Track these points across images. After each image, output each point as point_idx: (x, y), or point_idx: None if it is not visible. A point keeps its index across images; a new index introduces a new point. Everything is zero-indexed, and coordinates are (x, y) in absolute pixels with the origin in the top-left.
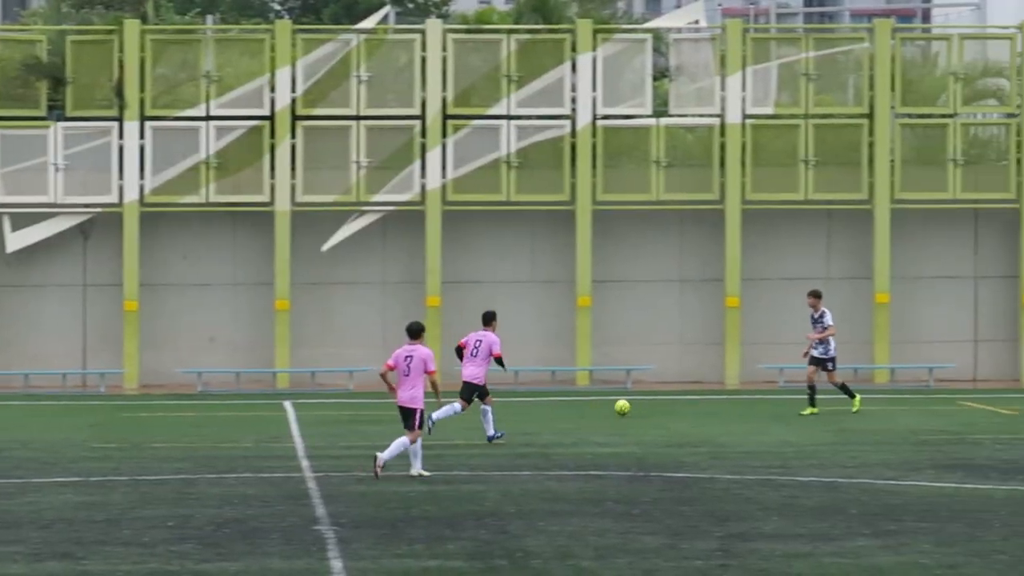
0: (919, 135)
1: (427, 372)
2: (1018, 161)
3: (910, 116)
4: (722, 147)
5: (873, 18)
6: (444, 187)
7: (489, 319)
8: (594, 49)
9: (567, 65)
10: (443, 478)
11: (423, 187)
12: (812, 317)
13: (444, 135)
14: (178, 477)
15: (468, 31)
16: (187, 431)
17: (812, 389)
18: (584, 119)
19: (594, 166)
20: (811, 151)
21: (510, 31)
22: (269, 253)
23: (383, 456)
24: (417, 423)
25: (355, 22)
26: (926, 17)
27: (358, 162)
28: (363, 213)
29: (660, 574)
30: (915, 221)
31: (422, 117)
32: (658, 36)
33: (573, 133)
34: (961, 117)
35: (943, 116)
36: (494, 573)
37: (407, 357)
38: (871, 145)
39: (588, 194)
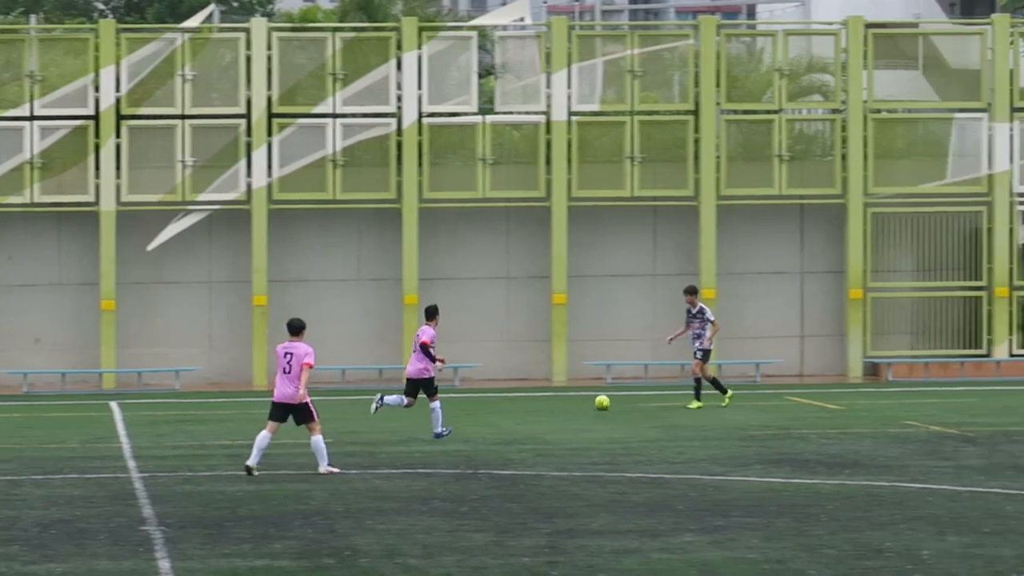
0: (744, 131)
1: (303, 365)
2: (843, 156)
3: (735, 112)
4: (548, 144)
5: (698, 15)
6: (270, 186)
7: (432, 314)
8: (419, 47)
9: (392, 63)
10: (270, 477)
11: (249, 186)
12: (689, 312)
13: (269, 134)
14: (4, 479)
15: (293, 29)
16: (13, 432)
17: (696, 382)
18: (410, 117)
19: (420, 164)
20: (637, 148)
21: (335, 29)
22: (94, 253)
23: (323, 466)
24: (314, 415)
25: (179, 21)
26: (751, 14)
27: (183, 161)
28: (188, 212)
29: (488, 571)
30: (741, 217)
31: (247, 116)
32: (483, 33)
33: (399, 131)
34: (786, 113)
35: (768, 112)
36: (322, 572)
37: (287, 354)
38: (697, 141)
39: (414, 192)
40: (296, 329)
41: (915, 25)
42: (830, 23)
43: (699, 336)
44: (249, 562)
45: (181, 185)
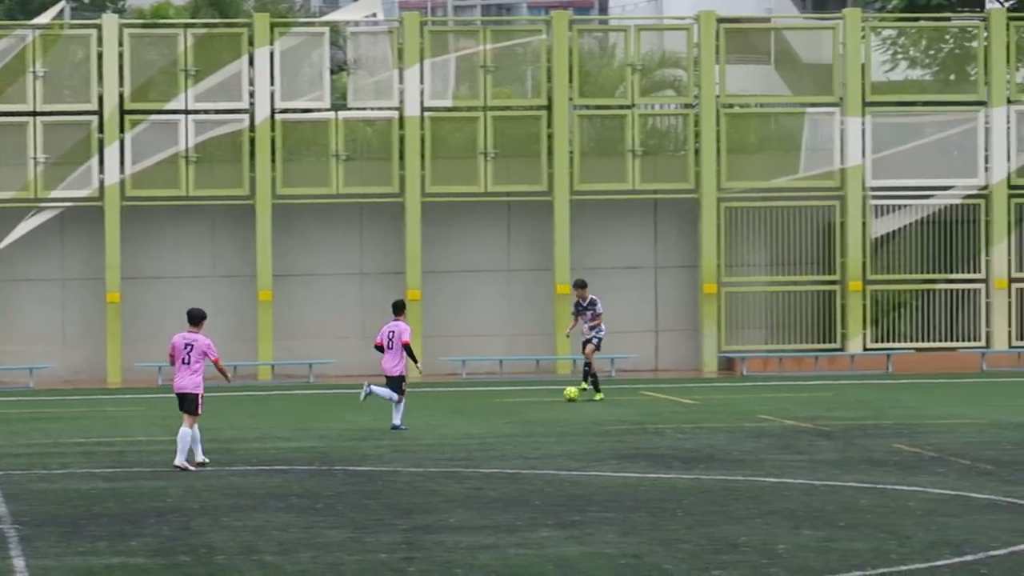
0: (597, 126)
1: (212, 360)
2: (696, 151)
3: (588, 107)
4: (401, 140)
5: (550, 10)
6: (123, 182)
7: (400, 308)
8: (271, 43)
9: (244, 59)
10: (125, 475)
11: (102, 183)
12: (579, 306)
13: (122, 130)
14: None
15: (144, 25)
16: None
17: (585, 366)
18: (263, 113)
19: (273, 160)
20: (490, 143)
21: (187, 25)
22: None
23: (192, 459)
24: (199, 408)
25: (30, 18)
26: (603, 9)
27: (35, 158)
28: (41, 209)
29: (345, 568)
30: (595, 212)
31: (99, 112)
32: (336, 29)
33: (252, 127)
34: (639, 108)
35: (621, 107)
36: (178, 569)
37: (187, 345)
38: (550, 137)
39: (267, 188)
40: (196, 319)
41: (767, 20)
42: (682, 18)
43: (593, 327)
44: (105, 560)
45: (33, 182)
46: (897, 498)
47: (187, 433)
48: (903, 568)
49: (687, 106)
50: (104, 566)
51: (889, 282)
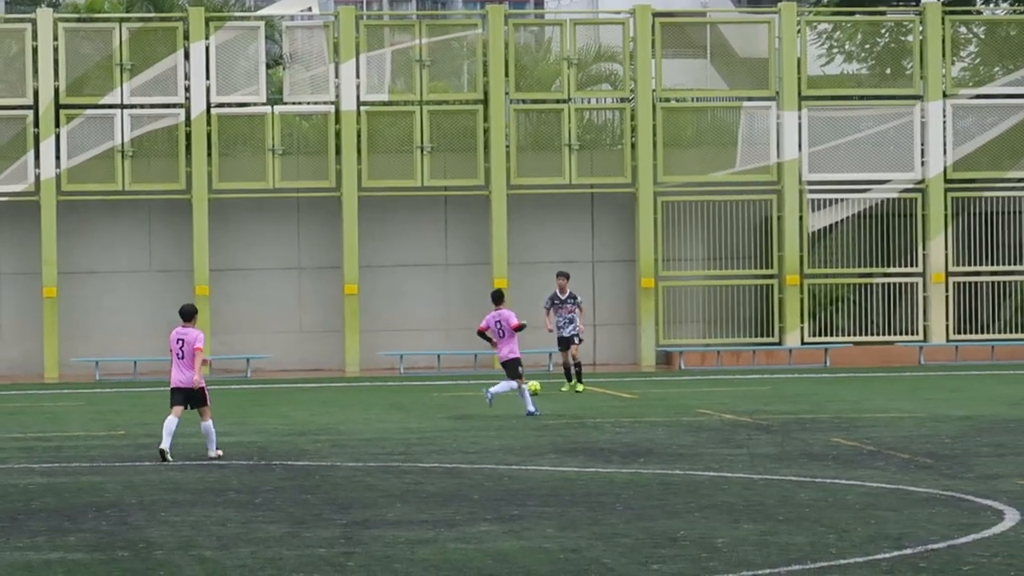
0: (534, 121)
1: (195, 350)
2: (632, 146)
3: (524, 102)
4: (337, 134)
5: (486, 4)
6: (58, 177)
7: (499, 298)
8: (207, 37)
9: (180, 53)
10: (63, 470)
11: (37, 177)
12: (558, 298)
13: (57, 125)
14: None
15: (79, 20)
16: None
17: (575, 366)
18: (198, 107)
19: (209, 155)
20: (426, 138)
21: (122, 19)
22: None
23: (211, 453)
24: (208, 400)
25: None
26: (539, 3)
27: None
28: None
29: (283, 562)
30: (532, 206)
31: (35, 107)
32: (271, 24)
33: (187, 121)
34: (575, 102)
35: (557, 102)
36: (116, 564)
37: (179, 340)
38: (486, 131)
39: (204, 182)
40: (188, 315)
41: (703, 14)
42: (618, 12)
43: (572, 320)
44: (43, 555)
45: None
46: (836, 492)
47: (209, 425)
48: (842, 562)
49: (623, 100)
50: (43, 561)
51: (826, 276)
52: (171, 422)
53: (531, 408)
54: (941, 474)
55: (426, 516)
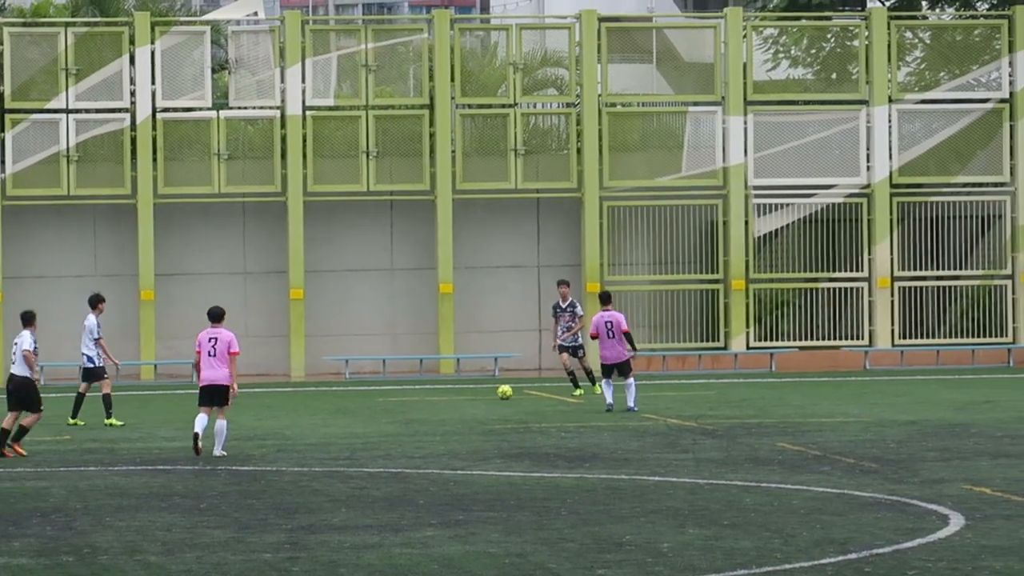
0: (480, 125)
1: (231, 354)
2: (578, 150)
3: (470, 107)
4: (283, 139)
5: (432, 9)
6: (3, 182)
7: (607, 299)
8: (153, 42)
9: (126, 58)
10: (7, 475)
11: None
12: (559, 307)
13: (2, 129)
14: None
15: (25, 24)
16: None
17: (572, 374)
18: (144, 112)
19: (155, 159)
20: (372, 142)
21: (67, 24)
22: None
23: (216, 451)
24: (229, 400)
25: None
26: (485, 8)
27: None
28: None
29: (229, 567)
30: (478, 211)
31: None
32: (217, 28)
33: (133, 126)
34: (521, 107)
35: (503, 106)
36: (61, 569)
37: (211, 339)
38: (432, 136)
39: (149, 187)
40: (217, 316)
41: (649, 19)
42: (564, 17)
43: (569, 328)
44: None
45: None
46: (781, 496)
47: (223, 424)
48: (788, 566)
49: (569, 105)
50: None
51: (772, 281)
52: (203, 419)
53: (631, 404)
54: (886, 479)
55: (371, 521)
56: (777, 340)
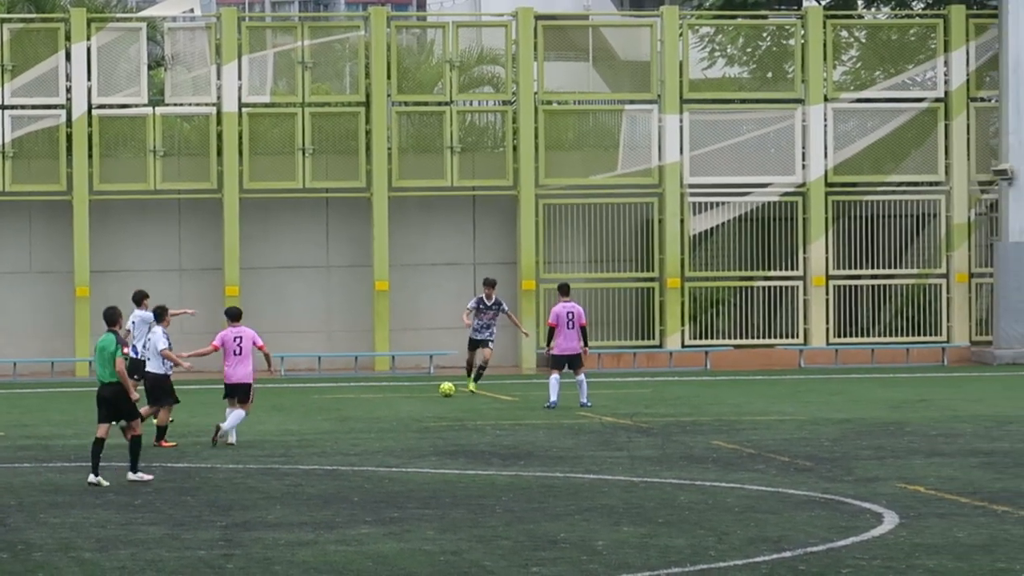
0: (416, 123)
1: (259, 347)
2: (514, 148)
3: (407, 104)
4: (219, 136)
5: (368, 6)
6: None
7: (566, 290)
8: (88, 38)
9: (61, 54)
10: None
11: None
12: (482, 303)
13: None
14: None
15: None
16: None
17: (480, 368)
18: (80, 108)
19: (90, 156)
20: (308, 140)
21: (3, 20)
22: None
23: (225, 426)
24: (251, 397)
25: None
26: (421, 5)
27: None
28: None
29: (163, 564)
30: (414, 209)
31: None
32: (153, 25)
33: (69, 123)
34: (458, 104)
35: (439, 104)
36: None
37: (236, 338)
38: (368, 133)
39: (85, 184)
40: (236, 315)
41: (585, 17)
42: (500, 15)
43: (490, 327)
44: None
45: None
46: (716, 495)
47: (241, 414)
48: (722, 564)
49: (505, 103)
50: None
51: (707, 279)
52: (238, 414)
53: (583, 400)
54: (821, 477)
55: (306, 518)
56: (712, 338)
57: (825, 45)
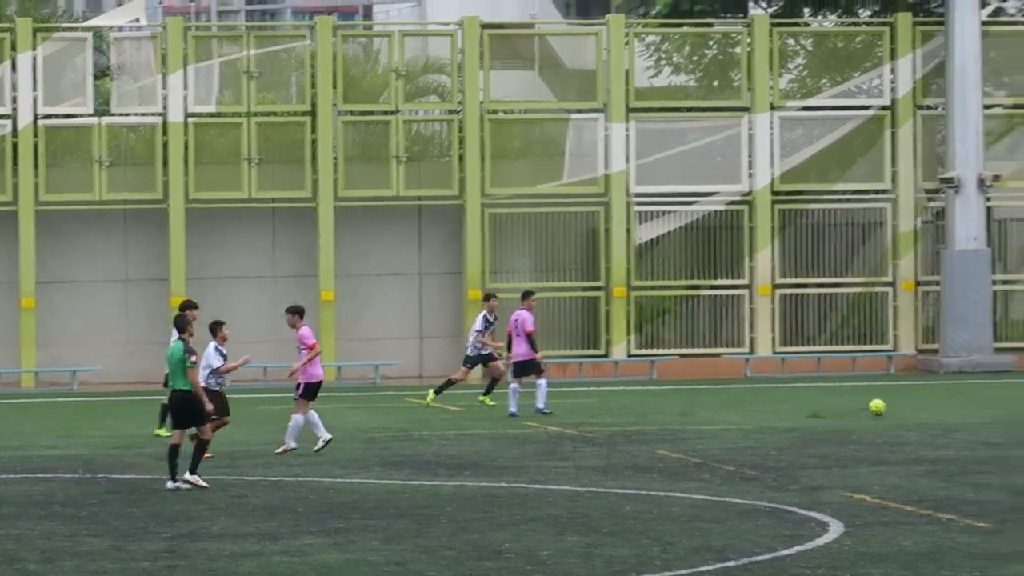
0: (362, 132)
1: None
2: (460, 157)
3: (353, 113)
4: (165, 146)
5: (315, 15)
6: None
7: (524, 296)
8: (34, 48)
9: (7, 64)
10: None
11: None
12: (487, 320)
13: None
14: None
15: None
16: None
17: (489, 382)
18: (25, 119)
19: (36, 166)
20: (254, 149)
21: None
22: None
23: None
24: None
25: None
26: (367, 14)
27: None
28: None
29: (108, 575)
30: (360, 218)
31: None
32: (99, 35)
33: (14, 133)
34: (404, 114)
35: (385, 113)
36: None
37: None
38: (314, 143)
39: (31, 194)
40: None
41: (531, 26)
42: (446, 24)
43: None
44: None
45: None
46: (661, 504)
47: (299, 420)
48: (667, 574)
49: (452, 112)
50: None
51: (653, 288)
52: (312, 416)
53: (540, 405)
54: (766, 486)
55: (251, 529)
56: (658, 347)
57: (771, 53)
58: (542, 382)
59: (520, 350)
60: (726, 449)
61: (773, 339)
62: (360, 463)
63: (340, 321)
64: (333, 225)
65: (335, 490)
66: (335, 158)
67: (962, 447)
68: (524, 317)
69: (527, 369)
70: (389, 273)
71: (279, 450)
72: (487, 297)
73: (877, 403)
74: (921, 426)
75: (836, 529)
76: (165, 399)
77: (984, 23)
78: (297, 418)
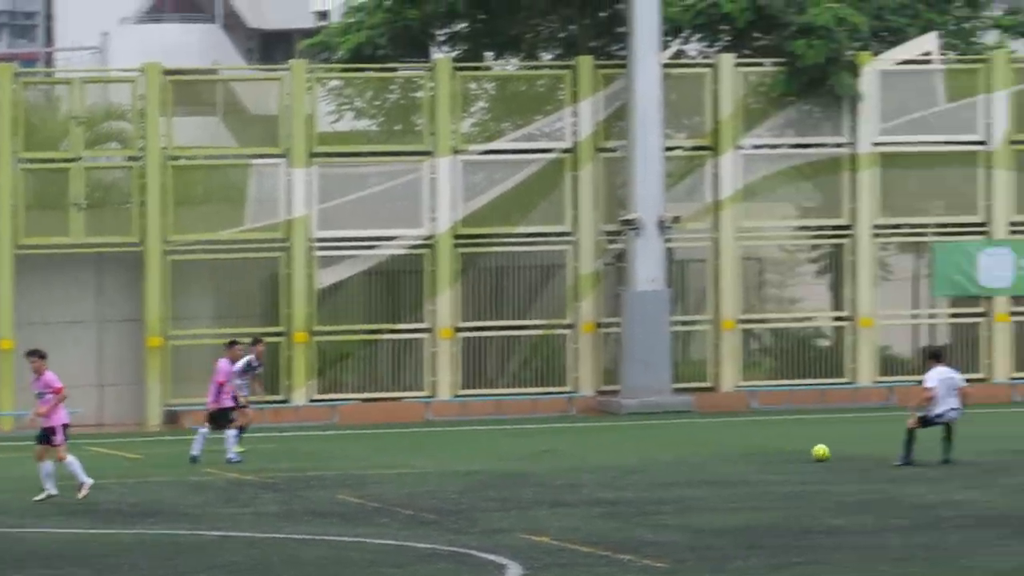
0: (42, 180)
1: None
2: (142, 204)
3: (32, 161)
4: None
5: None
6: None
7: (230, 345)
8: None
9: None
10: None
11: None
12: (251, 366)
13: None
14: None
15: None
16: None
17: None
18: None
19: None
20: None
21: None
22: None
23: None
24: None
25: None
26: (49, 61)
27: None
28: None
29: None
30: (38, 266)
31: None
32: None
33: None
34: (84, 161)
35: (66, 160)
36: None
37: None
38: None
39: None
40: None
41: (214, 72)
42: (128, 70)
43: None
44: None
45: None
46: (341, 549)
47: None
48: None
49: (132, 159)
50: None
51: (335, 332)
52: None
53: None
54: (446, 529)
55: None
56: (340, 392)
57: (454, 97)
58: (231, 432)
59: (211, 399)
60: (405, 493)
61: (453, 382)
62: (35, 512)
63: (20, 370)
64: (12, 274)
65: (10, 539)
66: (13, 206)
67: (641, 488)
68: (218, 366)
69: (217, 419)
70: (67, 321)
71: (80, 494)
72: (255, 341)
73: (821, 448)
74: (600, 468)
75: (515, 571)
76: None
77: (665, 65)
78: (70, 459)
